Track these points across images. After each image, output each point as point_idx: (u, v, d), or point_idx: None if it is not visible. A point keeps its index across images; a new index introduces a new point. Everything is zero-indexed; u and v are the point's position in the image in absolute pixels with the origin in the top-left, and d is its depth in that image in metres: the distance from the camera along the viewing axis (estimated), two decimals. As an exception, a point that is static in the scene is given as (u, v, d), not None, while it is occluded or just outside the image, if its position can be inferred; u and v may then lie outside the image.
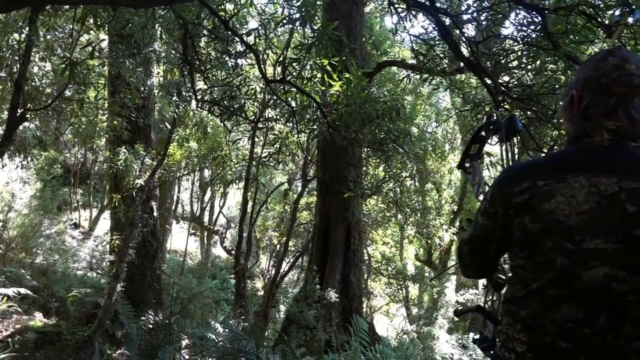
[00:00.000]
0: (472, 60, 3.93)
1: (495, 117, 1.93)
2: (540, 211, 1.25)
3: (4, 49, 5.60)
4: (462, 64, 4.77)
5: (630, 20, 3.23)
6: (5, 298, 6.81)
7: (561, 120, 1.55)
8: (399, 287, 13.68)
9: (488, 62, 4.42)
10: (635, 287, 1.16)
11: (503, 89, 4.25)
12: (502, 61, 4.64)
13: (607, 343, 1.16)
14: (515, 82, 4.80)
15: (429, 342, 8.31)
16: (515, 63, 4.82)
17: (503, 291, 1.66)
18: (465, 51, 4.69)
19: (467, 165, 2.01)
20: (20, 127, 6.43)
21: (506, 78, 5.05)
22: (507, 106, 4.55)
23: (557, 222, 1.22)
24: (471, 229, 1.54)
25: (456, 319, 13.25)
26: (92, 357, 3.67)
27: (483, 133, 1.99)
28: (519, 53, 4.46)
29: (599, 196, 1.21)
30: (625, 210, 1.19)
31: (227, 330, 5.01)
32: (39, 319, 7.18)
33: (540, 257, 1.25)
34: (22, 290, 7.15)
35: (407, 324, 12.86)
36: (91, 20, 3.86)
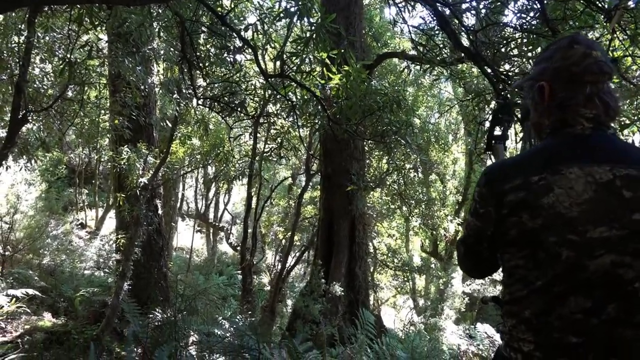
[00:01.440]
0: (471, 49, 3.90)
1: (508, 98, 1.91)
2: (539, 206, 1.23)
3: (4, 52, 5.62)
4: (462, 54, 4.74)
5: (630, 4, 3.19)
6: (14, 299, 6.87)
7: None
8: (405, 279, 13.69)
9: (488, 51, 4.38)
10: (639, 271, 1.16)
11: (503, 77, 4.21)
12: (502, 49, 4.60)
13: (615, 333, 1.15)
14: (516, 71, 4.76)
15: (436, 333, 8.31)
16: (515, 51, 4.78)
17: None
18: (465, 40, 4.66)
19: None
20: (24, 129, 6.46)
21: (507, 66, 5.01)
22: (508, 95, 4.52)
23: (558, 215, 1.21)
24: (464, 230, 1.52)
25: (463, 309, 13.27)
26: (93, 356, 3.69)
27: (500, 115, 1.97)
28: (519, 41, 4.42)
29: (596, 185, 1.21)
30: (622, 196, 1.20)
31: (232, 326, 5.03)
32: (47, 319, 7.25)
33: (543, 253, 1.23)
34: (31, 291, 7.22)
35: (414, 316, 12.89)
36: (88, 20, 3.85)
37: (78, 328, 6.91)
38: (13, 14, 5.72)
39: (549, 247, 1.22)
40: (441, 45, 5.40)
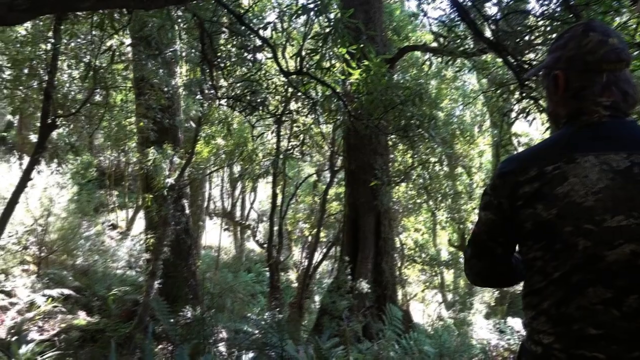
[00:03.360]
0: (492, 39, 3.83)
1: None
2: (554, 196, 1.20)
3: (34, 60, 5.80)
4: (484, 44, 4.65)
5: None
6: (50, 299, 7.10)
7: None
8: (433, 273, 13.56)
9: (510, 41, 4.29)
10: None
11: (527, 66, 4.12)
12: (526, 38, 4.49)
13: (638, 326, 1.11)
14: (540, 59, 4.65)
15: (465, 327, 8.21)
16: (540, 40, 4.66)
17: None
18: (487, 30, 4.57)
19: None
20: (54, 134, 6.67)
21: (531, 55, 4.89)
22: (532, 84, 4.42)
23: (573, 204, 1.17)
24: (474, 227, 1.47)
25: (493, 303, 13.07)
26: (144, 352, 3.78)
27: None
28: (543, 29, 4.31)
29: (612, 172, 1.17)
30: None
31: (258, 323, 5.09)
32: (82, 318, 7.47)
33: (560, 244, 1.19)
34: (66, 291, 7.45)
35: (443, 310, 12.77)
36: (110, 26, 3.94)
37: (111, 326, 7.10)
38: (40, 23, 5.90)
39: (565, 237, 1.18)
40: (462, 36, 5.31)
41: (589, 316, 1.15)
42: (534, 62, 4.38)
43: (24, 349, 5.26)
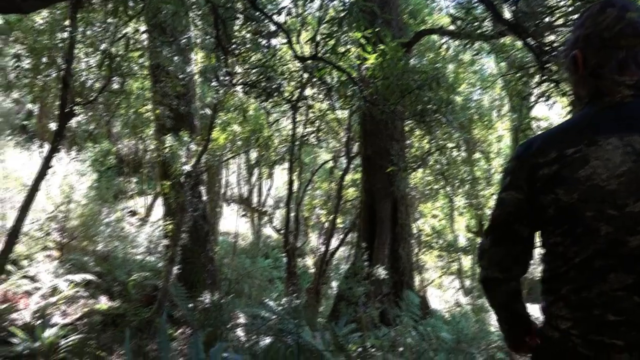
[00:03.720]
0: (512, 20, 3.73)
1: None
2: (575, 180, 1.16)
3: (52, 49, 5.85)
4: (503, 26, 4.54)
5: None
6: (73, 284, 7.25)
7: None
8: (450, 259, 13.50)
9: (529, 22, 4.17)
10: None
11: (547, 49, 4.02)
12: (546, 20, 4.38)
13: None
14: (561, 41, 4.53)
15: (483, 314, 8.18)
16: (561, 20, 4.54)
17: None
18: (507, 12, 4.46)
19: None
20: (73, 122, 6.75)
21: (552, 37, 4.77)
22: (553, 67, 4.31)
23: (596, 188, 1.14)
24: (494, 212, 1.40)
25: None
26: (159, 336, 3.84)
27: None
28: (564, 9, 4.18)
29: (636, 155, 1.13)
30: None
31: (274, 309, 5.13)
32: (103, 302, 7.62)
33: (581, 228, 1.16)
34: (87, 276, 7.59)
35: (461, 296, 12.73)
36: (124, 13, 3.94)
37: (132, 310, 7.23)
38: (58, 12, 5.94)
39: (587, 222, 1.16)
40: (481, 19, 5.19)
41: (609, 302, 1.12)
42: (555, 44, 4.27)
43: (47, 333, 5.40)
